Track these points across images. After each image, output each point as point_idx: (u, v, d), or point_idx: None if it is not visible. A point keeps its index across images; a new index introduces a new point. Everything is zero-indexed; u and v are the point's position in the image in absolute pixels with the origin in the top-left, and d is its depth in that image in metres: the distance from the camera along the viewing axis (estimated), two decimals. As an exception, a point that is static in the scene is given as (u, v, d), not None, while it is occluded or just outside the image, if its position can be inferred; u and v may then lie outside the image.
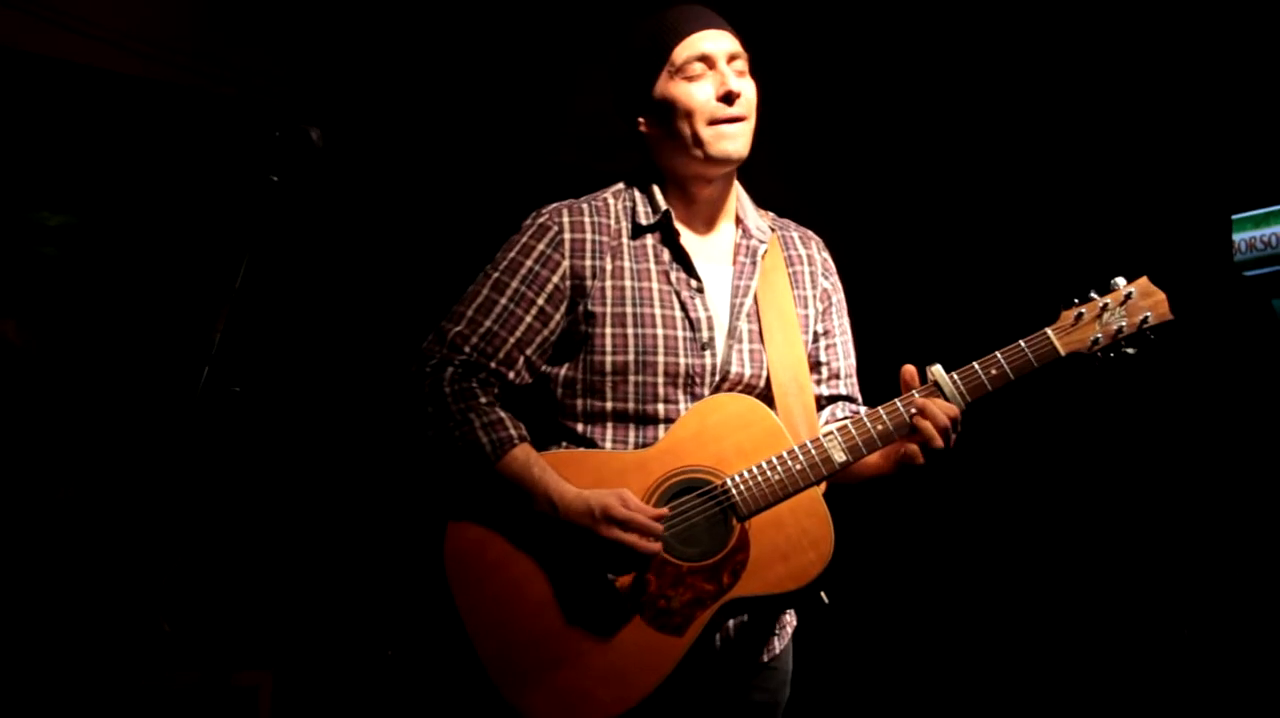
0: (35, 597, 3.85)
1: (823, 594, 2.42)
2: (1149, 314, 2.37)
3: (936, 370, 2.36)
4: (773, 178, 2.60)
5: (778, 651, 2.51)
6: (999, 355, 2.36)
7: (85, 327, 4.45)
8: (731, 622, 2.40)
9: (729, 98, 2.41)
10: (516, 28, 5.26)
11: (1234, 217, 5.12)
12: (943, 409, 2.33)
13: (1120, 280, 2.40)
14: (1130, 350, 2.39)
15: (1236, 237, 5.12)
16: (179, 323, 4.42)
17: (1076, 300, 2.40)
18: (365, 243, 4.97)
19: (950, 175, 5.87)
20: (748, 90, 2.44)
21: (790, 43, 5.42)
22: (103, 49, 4.55)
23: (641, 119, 2.49)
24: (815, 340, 2.59)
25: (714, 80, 2.42)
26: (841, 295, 2.67)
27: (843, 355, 2.63)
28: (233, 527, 4.50)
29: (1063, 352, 2.37)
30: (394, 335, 4.62)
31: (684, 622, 2.29)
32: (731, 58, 2.44)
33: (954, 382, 2.35)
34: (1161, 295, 2.39)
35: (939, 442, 2.32)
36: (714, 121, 2.41)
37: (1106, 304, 2.38)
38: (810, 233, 2.68)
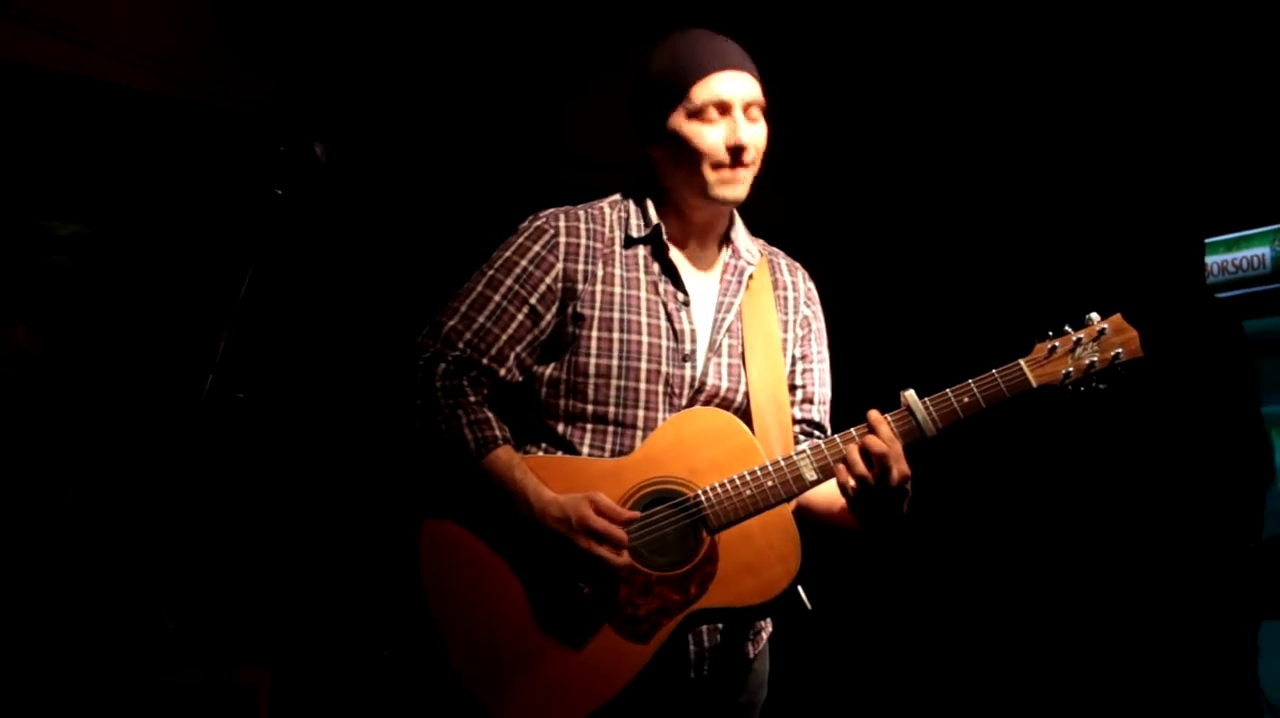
0: (41, 595, 3.88)
1: (805, 600, 2.45)
2: (1120, 350, 2.38)
3: (910, 395, 2.36)
4: (760, 202, 2.66)
5: (752, 655, 2.53)
6: (972, 384, 2.36)
7: (94, 333, 4.50)
8: (707, 628, 2.43)
9: (738, 150, 2.43)
10: (516, 46, 5.33)
11: (1207, 240, 5.22)
12: (872, 444, 2.30)
13: (1094, 316, 2.39)
14: (1101, 386, 2.40)
15: (1209, 260, 5.23)
16: (185, 331, 4.44)
17: (1051, 334, 2.40)
18: (366, 255, 5.01)
19: (931, 203, 5.91)
20: (758, 138, 2.46)
21: (770, 72, 5.50)
22: (113, 64, 4.60)
23: (652, 146, 2.52)
24: (792, 364, 2.62)
25: (726, 127, 2.43)
26: (822, 325, 2.70)
27: (818, 383, 2.65)
28: (234, 528, 4.53)
29: (1034, 383, 2.37)
30: (393, 343, 4.71)
31: (650, 630, 2.32)
32: (747, 105, 2.45)
33: (926, 407, 2.35)
34: (1134, 333, 2.40)
35: (861, 468, 2.30)
36: (719, 166, 2.44)
37: (1080, 339, 2.38)
38: (797, 263, 2.72)
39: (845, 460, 2.31)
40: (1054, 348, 2.38)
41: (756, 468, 2.37)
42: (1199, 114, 5.07)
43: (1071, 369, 2.38)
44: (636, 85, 2.53)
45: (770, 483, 2.35)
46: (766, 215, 2.56)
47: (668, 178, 2.52)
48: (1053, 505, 5.39)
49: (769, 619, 2.59)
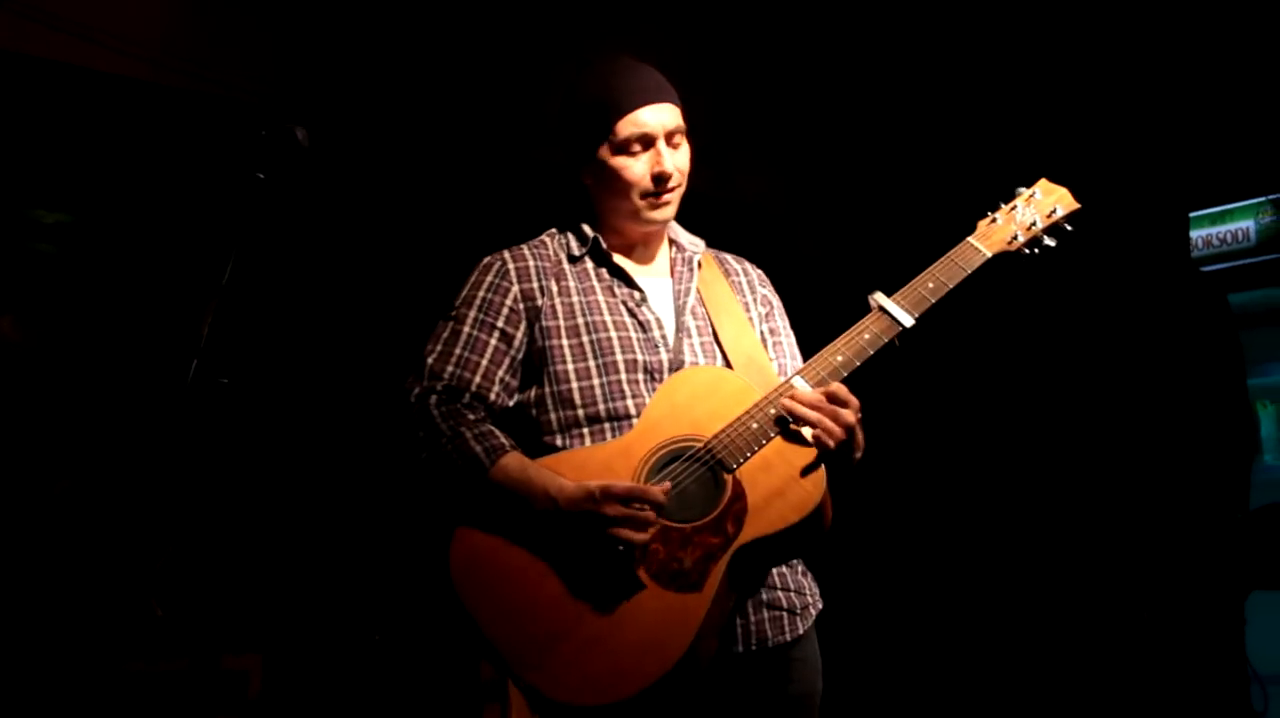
0: (33, 584, 3.89)
1: None
2: (1058, 206, 2.57)
3: (879, 296, 2.47)
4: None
5: (801, 631, 2.54)
6: (931, 269, 2.51)
7: (79, 321, 4.49)
8: (753, 603, 2.47)
9: (662, 178, 2.56)
10: (500, 27, 5.34)
11: (1191, 214, 5.24)
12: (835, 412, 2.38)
13: (1021, 187, 2.60)
14: (1051, 242, 2.57)
15: (1194, 233, 5.25)
16: (169, 317, 4.43)
17: (989, 212, 2.57)
18: (348, 238, 5.00)
19: (913, 171, 5.93)
20: (681, 163, 2.60)
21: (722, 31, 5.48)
22: (93, 50, 4.59)
23: (583, 172, 2.64)
24: (763, 340, 2.69)
25: (650, 159, 2.56)
26: (780, 304, 2.79)
27: (789, 355, 2.72)
28: (222, 514, 4.52)
29: (989, 253, 2.54)
30: (376, 328, 4.72)
31: (700, 578, 2.33)
32: (669, 134, 2.57)
33: (897, 301, 2.47)
34: (1064, 189, 2.58)
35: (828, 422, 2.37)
36: (646, 195, 2.57)
37: (1016, 205, 2.58)
38: (742, 258, 2.84)
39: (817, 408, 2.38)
40: (996, 219, 2.59)
41: (757, 401, 2.43)
42: (1183, 88, 5.08)
43: (1019, 231, 2.57)
44: (563, 115, 2.65)
45: (773, 409, 2.41)
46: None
47: (601, 202, 2.65)
48: (1042, 482, 5.41)
49: (814, 596, 2.61)
